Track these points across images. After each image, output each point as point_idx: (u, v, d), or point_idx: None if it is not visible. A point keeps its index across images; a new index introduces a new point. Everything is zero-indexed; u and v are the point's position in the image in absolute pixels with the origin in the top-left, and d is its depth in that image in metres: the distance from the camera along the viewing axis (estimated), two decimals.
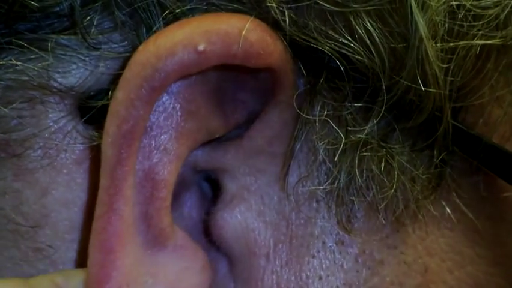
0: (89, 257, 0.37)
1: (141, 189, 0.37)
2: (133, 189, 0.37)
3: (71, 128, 0.38)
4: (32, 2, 0.37)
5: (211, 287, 0.40)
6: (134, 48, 0.37)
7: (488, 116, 0.41)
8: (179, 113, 0.38)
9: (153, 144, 0.37)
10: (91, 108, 0.38)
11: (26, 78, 0.38)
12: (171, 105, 0.37)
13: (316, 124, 0.39)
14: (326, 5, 0.37)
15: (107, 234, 0.36)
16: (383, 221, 0.40)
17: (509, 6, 0.39)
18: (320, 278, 0.40)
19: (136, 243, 0.37)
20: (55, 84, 0.38)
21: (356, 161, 0.39)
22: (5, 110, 0.38)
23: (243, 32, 0.36)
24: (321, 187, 0.40)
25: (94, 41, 0.38)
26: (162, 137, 0.37)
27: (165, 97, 0.37)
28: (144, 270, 0.38)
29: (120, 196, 0.36)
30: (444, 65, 0.38)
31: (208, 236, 0.41)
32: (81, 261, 0.39)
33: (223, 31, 0.36)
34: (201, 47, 0.36)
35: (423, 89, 0.38)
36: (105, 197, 0.36)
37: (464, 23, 0.38)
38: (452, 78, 0.39)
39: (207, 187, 0.42)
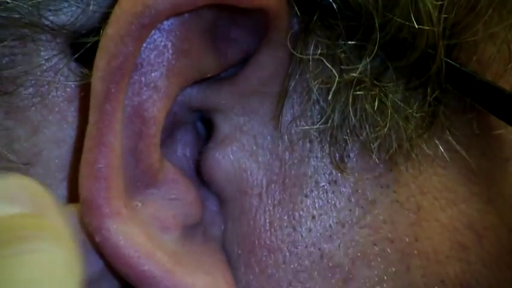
0: (82, 188, 0.37)
1: (129, 125, 0.37)
2: (122, 124, 0.37)
3: (63, 66, 0.38)
4: None
5: (198, 223, 0.40)
6: None
7: (481, 53, 0.41)
8: (170, 51, 0.37)
9: (143, 81, 0.37)
10: (82, 46, 0.38)
11: (17, 16, 0.37)
12: (162, 43, 0.37)
13: (310, 63, 0.39)
14: None
15: (99, 165, 0.36)
16: (376, 160, 0.40)
17: None
18: (313, 217, 0.40)
19: (125, 176, 0.38)
20: (46, 23, 0.38)
21: (350, 100, 0.39)
22: None
23: None
24: (315, 126, 0.40)
25: None
26: (153, 74, 0.37)
27: (157, 34, 0.37)
28: (135, 197, 0.38)
29: (110, 129, 0.36)
30: (438, 2, 0.38)
31: (199, 174, 0.41)
32: (72, 199, 0.39)
33: None
34: None
35: (416, 26, 0.38)
36: (94, 130, 0.36)
37: None
38: (446, 15, 0.38)
39: (202, 127, 0.42)
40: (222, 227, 0.41)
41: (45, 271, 0.31)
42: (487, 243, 0.42)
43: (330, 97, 0.39)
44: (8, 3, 0.37)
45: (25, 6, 0.37)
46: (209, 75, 0.39)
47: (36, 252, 0.32)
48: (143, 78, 0.37)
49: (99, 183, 0.37)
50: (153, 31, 0.37)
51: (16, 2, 0.37)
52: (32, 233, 0.32)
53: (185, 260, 0.39)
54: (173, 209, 0.39)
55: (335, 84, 0.39)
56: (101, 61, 0.36)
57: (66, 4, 0.38)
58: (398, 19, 0.38)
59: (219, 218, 0.41)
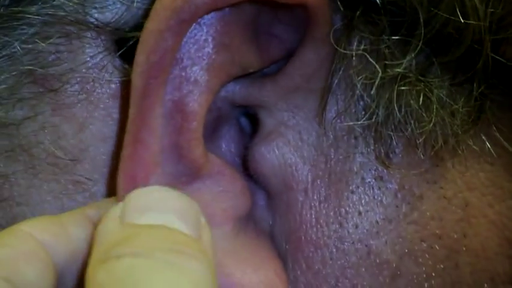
0: (118, 184, 0.37)
1: (170, 120, 0.37)
2: (162, 120, 0.37)
3: (108, 63, 0.39)
4: None
5: (249, 214, 0.40)
6: None
7: None
8: (211, 45, 0.37)
9: (184, 76, 0.37)
10: (126, 43, 0.38)
11: (63, 13, 0.38)
12: (203, 37, 0.37)
13: (354, 59, 0.38)
14: None
15: (132, 163, 0.37)
16: (422, 156, 0.40)
17: None
18: (360, 213, 0.40)
19: (164, 173, 0.37)
20: (91, 20, 0.38)
21: (394, 96, 0.39)
22: (43, 44, 0.38)
23: None
24: (359, 122, 0.39)
25: None
26: (193, 68, 0.37)
27: (197, 29, 0.37)
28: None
29: (146, 127, 0.36)
30: None
31: (245, 170, 0.41)
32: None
33: None
34: None
35: (462, 21, 0.37)
36: (132, 127, 0.36)
37: None
38: (492, 10, 0.38)
39: (246, 122, 0.41)
40: (271, 222, 0.41)
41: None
42: None
43: (373, 92, 0.39)
44: (54, 0, 0.37)
45: (71, 3, 0.38)
46: (251, 71, 0.39)
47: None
48: (183, 73, 0.37)
49: (129, 183, 0.37)
50: (193, 25, 0.37)
51: (62, 0, 0.37)
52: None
53: (237, 254, 0.38)
54: (222, 202, 0.39)
55: (379, 80, 0.38)
56: (140, 56, 0.36)
57: (111, 1, 0.38)
58: (443, 14, 0.37)
59: (267, 213, 0.41)
